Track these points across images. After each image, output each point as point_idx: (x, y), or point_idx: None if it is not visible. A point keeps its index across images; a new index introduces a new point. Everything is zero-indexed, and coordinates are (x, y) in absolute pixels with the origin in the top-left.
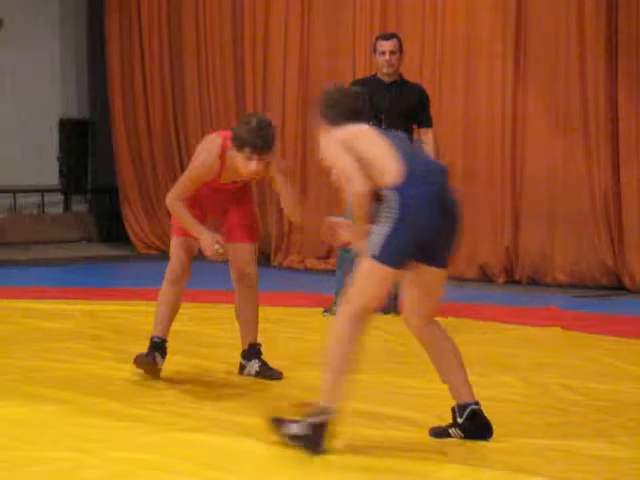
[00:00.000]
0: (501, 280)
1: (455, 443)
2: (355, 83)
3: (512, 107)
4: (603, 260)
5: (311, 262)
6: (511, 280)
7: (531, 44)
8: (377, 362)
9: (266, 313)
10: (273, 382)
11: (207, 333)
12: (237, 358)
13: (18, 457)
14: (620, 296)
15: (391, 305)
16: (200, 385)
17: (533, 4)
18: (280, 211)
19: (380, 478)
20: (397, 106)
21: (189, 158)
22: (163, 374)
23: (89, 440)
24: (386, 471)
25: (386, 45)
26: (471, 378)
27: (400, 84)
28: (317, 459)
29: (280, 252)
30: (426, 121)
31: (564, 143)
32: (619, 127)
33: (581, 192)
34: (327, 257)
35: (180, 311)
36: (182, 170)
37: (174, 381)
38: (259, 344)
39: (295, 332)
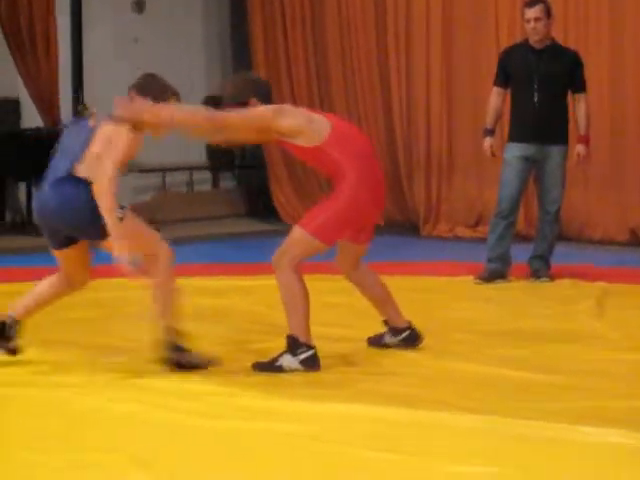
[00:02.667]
0: None
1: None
2: (506, 51)
3: None
4: None
5: (461, 230)
6: None
7: None
8: None
9: (416, 283)
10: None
11: None
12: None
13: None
14: None
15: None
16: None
17: None
18: (427, 181)
19: None
20: (550, 72)
21: None
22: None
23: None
24: None
25: (530, 12)
26: (628, 342)
27: (552, 49)
28: None
29: (429, 222)
30: (580, 86)
31: None
32: None
33: None
34: (476, 225)
35: None
36: None
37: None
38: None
39: (446, 300)
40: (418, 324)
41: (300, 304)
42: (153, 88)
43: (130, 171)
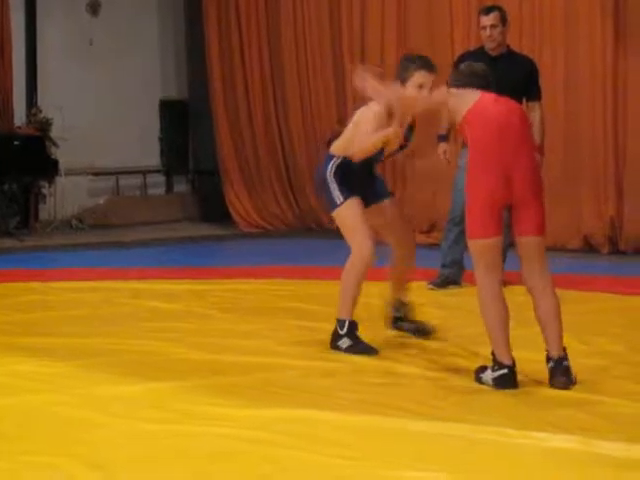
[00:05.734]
0: (605, 251)
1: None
2: (462, 57)
3: (612, 77)
4: None
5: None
6: (616, 250)
7: (630, 11)
8: None
9: (370, 288)
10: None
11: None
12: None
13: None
14: None
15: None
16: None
17: None
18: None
19: None
20: (505, 79)
21: (289, 134)
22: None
23: (200, 417)
24: None
25: (486, 19)
26: (578, 347)
27: (507, 56)
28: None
29: None
30: (535, 94)
31: None
32: None
33: None
34: (430, 231)
35: None
36: (283, 147)
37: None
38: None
39: None
40: (373, 330)
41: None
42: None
43: (84, 174)
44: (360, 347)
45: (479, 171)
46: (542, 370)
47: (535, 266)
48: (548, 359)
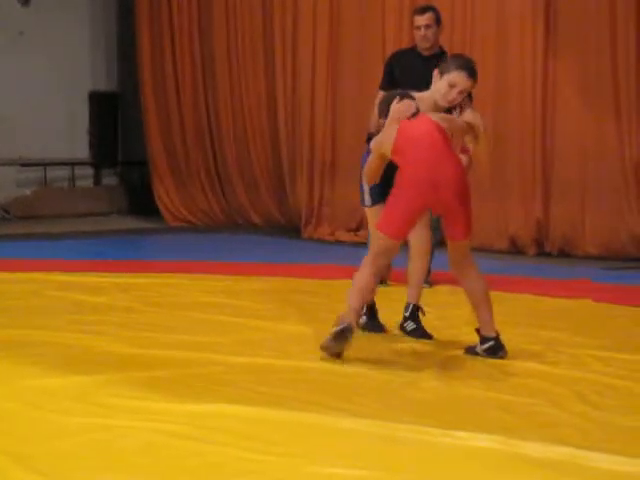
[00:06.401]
0: (532, 252)
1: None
2: (394, 55)
3: (542, 79)
4: (634, 232)
5: (342, 234)
6: (542, 252)
7: (561, 15)
8: None
9: (298, 285)
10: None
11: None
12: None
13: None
14: None
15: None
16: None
17: None
18: (310, 183)
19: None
20: None
21: (219, 129)
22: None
23: (124, 411)
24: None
25: (421, 19)
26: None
27: (440, 57)
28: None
29: (310, 224)
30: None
31: (595, 112)
32: None
33: (612, 162)
34: (357, 229)
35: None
36: (212, 142)
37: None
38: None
39: (327, 303)
40: (301, 327)
41: None
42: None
43: (12, 164)
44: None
45: (406, 184)
46: (469, 367)
47: (463, 262)
48: (482, 339)
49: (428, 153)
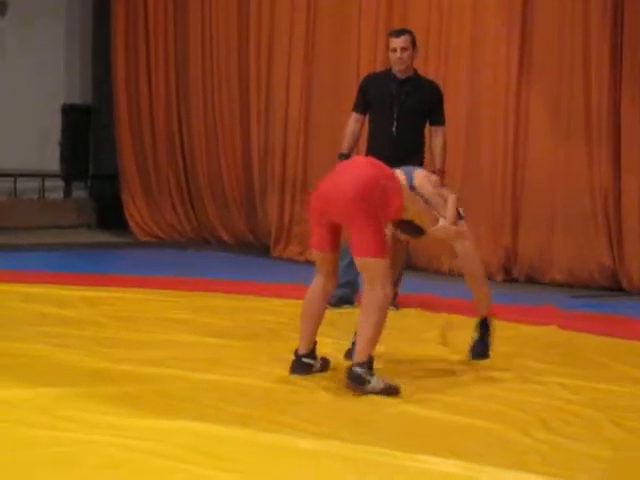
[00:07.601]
0: (499, 278)
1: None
2: (368, 77)
3: (515, 108)
4: (600, 260)
5: (311, 253)
6: (509, 278)
7: (535, 44)
8: None
9: (264, 304)
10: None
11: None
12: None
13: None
14: (617, 297)
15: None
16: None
17: (539, 4)
18: (281, 202)
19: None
20: (410, 103)
21: (191, 146)
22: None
23: (88, 425)
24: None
25: (397, 42)
26: (467, 376)
27: (414, 80)
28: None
29: (280, 243)
30: (439, 119)
31: (566, 144)
32: (621, 129)
33: (581, 193)
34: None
35: None
36: (184, 158)
37: (172, 369)
38: None
39: (293, 323)
40: (265, 346)
41: None
42: None
43: None
44: None
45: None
46: (433, 391)
47: (367, 282)
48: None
49: (337, 170)
